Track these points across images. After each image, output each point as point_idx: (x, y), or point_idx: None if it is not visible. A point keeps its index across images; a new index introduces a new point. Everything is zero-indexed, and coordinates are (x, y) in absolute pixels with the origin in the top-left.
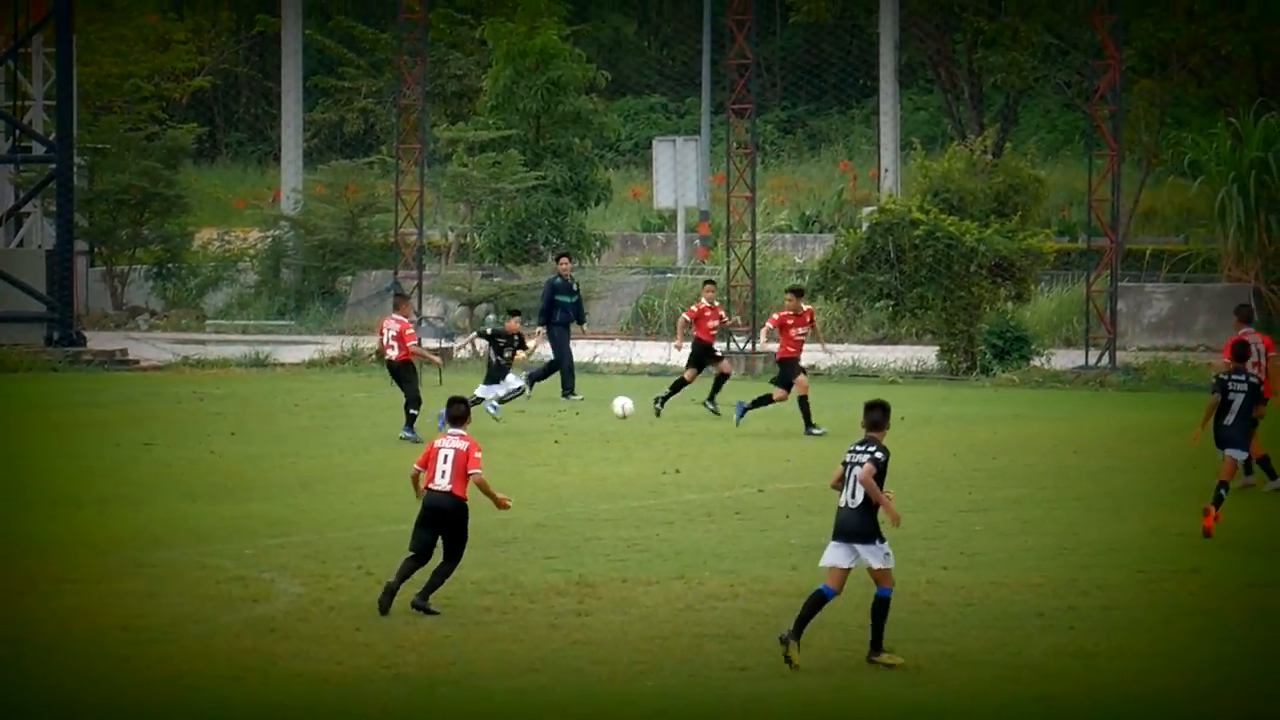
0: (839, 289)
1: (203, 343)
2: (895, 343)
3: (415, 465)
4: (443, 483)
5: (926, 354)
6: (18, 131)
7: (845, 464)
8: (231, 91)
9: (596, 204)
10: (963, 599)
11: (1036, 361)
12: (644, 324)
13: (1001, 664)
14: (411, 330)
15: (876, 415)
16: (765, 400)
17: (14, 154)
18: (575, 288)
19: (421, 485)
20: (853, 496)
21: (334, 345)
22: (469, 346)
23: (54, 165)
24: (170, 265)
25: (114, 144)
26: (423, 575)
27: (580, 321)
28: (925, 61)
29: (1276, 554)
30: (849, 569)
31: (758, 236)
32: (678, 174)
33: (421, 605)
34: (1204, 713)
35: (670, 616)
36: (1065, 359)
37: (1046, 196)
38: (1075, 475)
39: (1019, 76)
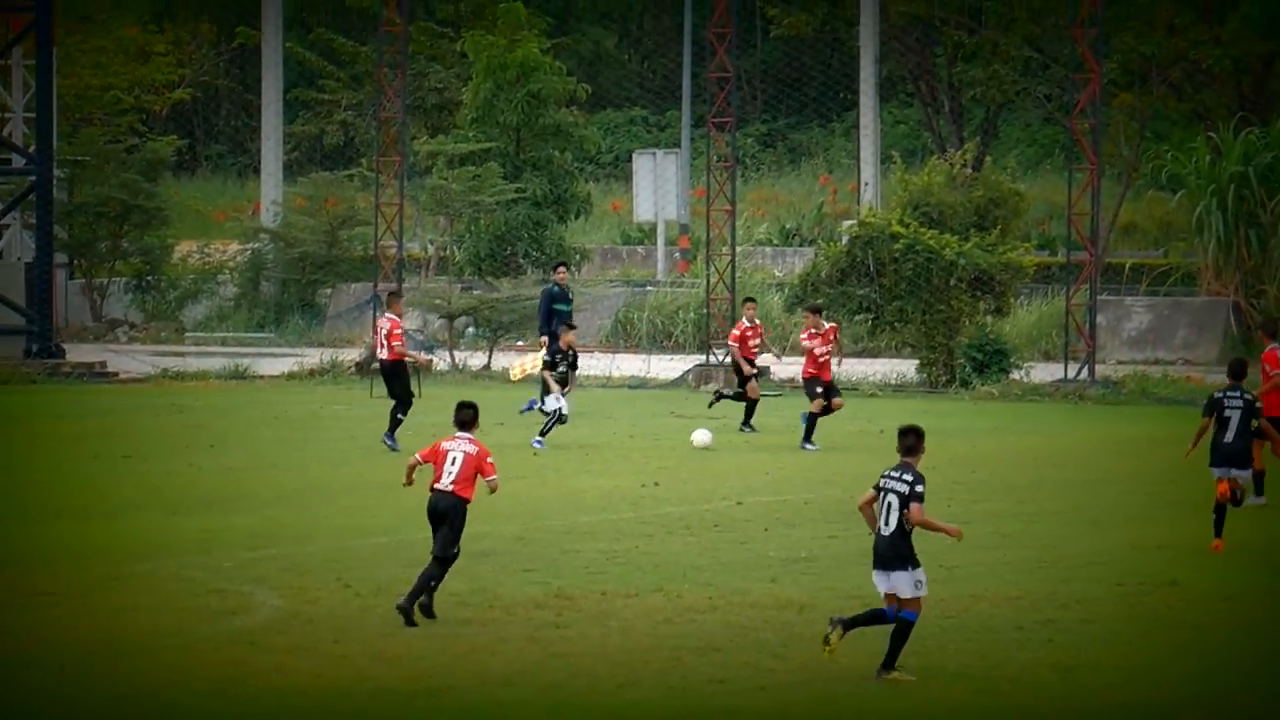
0: (818, 302)
1: (182, 355)
2: (875, 356)
3: (418, 455)
4: (447, 483)
5: (906, 367)
6: None
7: (879, 489)
8: (211, 104)
9: (576, 217)
10: (941, 612)
11: (1016, 375)
12: (623, 337)
13: (980, 677)
14: (399, 330)
15: (911, 440)
16: (813, 418)
17: None
18: (571, 296)
19: (416, 475)
20: (887, 523)
21: (313, 358)
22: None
23: (33, 177)
24: (150, 278)
25: (94, 156)
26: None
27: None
28: (905, 75)
29: (1254, 568)
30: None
31: (738, 250)
32: (658, 187)
33: (407, 606)
34: None
35: (649, 629)
36: (1044, 372)
37: (1026, 210)
38: (1054, 489)
39: (999, 90)
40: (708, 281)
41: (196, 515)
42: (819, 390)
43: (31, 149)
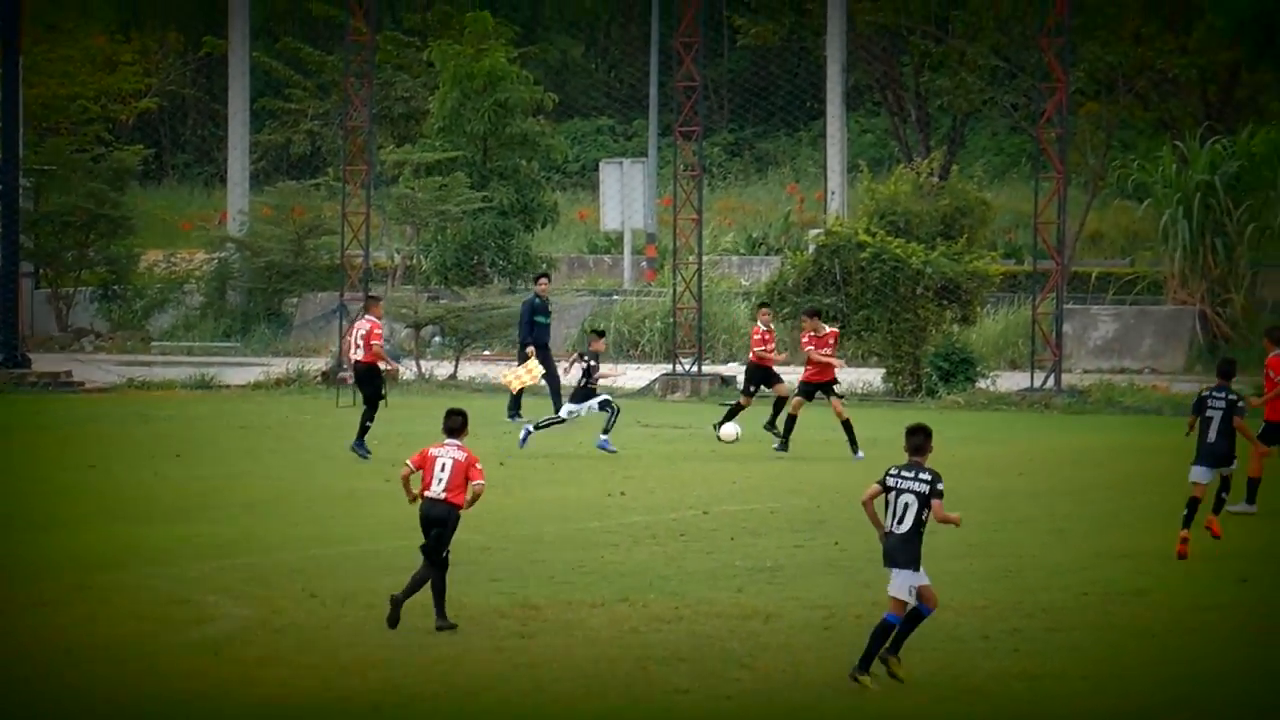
0: (785, 311)
1: (148, 364)
2: (841, 364)
3: (410, 463)
4: (438, 490)
5: (872, 376)
6: None
7: (887, 487)
8: (178, 113)
9: (543, 226)
10: None
11: (982, 384)
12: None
13: (946, 686)
14: (380, 331)
15: (919, 440)
16: (850, 432)
17: None
18: (549, 309)
19: (416, 490)
20: (899, 523)
21: (280, 367)
22: (570, 372)
23: None
24: (116, 287)
25: (60, 165)
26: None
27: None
28: (872, 84)
29: (1221, 576)
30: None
31: (704, 259)
32: (624, 196)
33: (444, 625)
34: None
35: (614, 639)
36: (1011, 381)
37: (993, 219)
38: (1020, 497)
39: (966, 99)
40: (674, 290)
41: (161, 524)
42: (812, 391)
43: None
